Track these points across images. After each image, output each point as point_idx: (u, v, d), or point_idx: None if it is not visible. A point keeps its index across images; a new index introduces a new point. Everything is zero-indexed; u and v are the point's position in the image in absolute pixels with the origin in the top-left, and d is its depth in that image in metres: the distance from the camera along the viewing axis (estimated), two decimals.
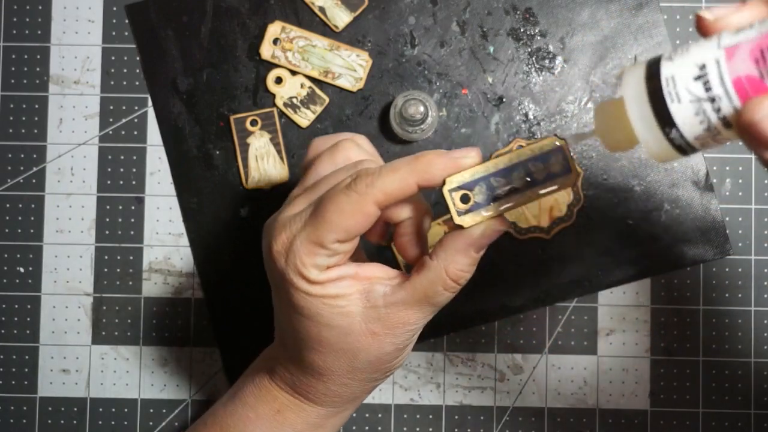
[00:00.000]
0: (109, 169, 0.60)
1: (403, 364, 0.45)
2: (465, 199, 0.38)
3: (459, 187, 0.38)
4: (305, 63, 0.60)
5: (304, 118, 0.60)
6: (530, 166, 0.37)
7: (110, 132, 0.61)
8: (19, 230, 0.60)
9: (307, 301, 0.40)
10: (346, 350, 0.41)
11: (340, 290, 0.40)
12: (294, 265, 0.39)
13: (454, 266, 0.39)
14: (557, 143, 0.37)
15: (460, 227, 0.38)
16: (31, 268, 0.60)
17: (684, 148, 0.35)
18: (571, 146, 0.37)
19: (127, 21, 0.61)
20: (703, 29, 0.35)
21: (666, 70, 0.34)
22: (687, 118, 0.34)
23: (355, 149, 0.43)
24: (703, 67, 0.33)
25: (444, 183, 0.38)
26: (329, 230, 0.38)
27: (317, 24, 0.60)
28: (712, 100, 0.33)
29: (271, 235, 0.40)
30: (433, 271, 0.39)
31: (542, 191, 0.38)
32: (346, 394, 0.44)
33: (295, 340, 0.42)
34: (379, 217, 0.39)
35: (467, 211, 0.38)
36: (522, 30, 0.60)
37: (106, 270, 0.60)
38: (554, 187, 0.37)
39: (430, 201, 0.59)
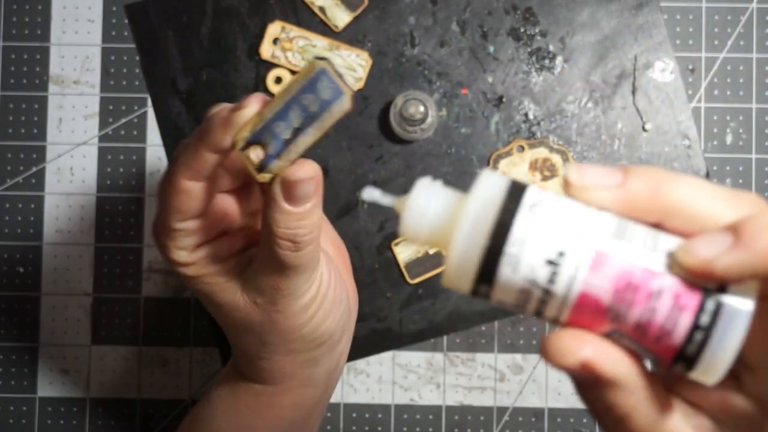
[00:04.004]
0: (109, 169, 0.60)
1: (326, 334, 0.43)
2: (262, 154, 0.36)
3: (250, 143, 0.35)
4: (305, 63, 0.60)
5: None
6: (302, 99, 0.35)
7: (110, 132, 0.61)
8: (19, 230, 0.60)
9: (191, 282, 0.40)
10: (245, 326, 0.41)
11: (214, 269, 0.40)
12: (162, 252, 0.40)
13: (276, 228, 0.37)
14: (320, 66, 0.34)
15: (265, 185, 0.37)
16: (30, 268, 0.60)
17: (477, 295, 0.30)
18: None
19: (126, 21, 0.61)
20: (565, 189, 0.29)
21: (521, 228, 0.28)
22: (509, 289, 0.28)
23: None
24: (561, 254, 0.27)
25: (234, 144, 0.36)
26: (166, 213, 0.38)
27: (317, 24, 0.60)
28: (546, 292, 0.28)
29: None
30: (263, 241, 0.38)
31: (320, 124, 0.35)
32: (277, 369, 0.44)
33: (216, 319, 0.43)
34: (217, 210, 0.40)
35: (263, 166, 0.35)
36: (522, 30, 0.60)
37: (105, 270, 0.60)
38: (330, 116, 0.35)
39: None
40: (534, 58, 0.60)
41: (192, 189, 0.37)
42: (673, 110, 0.60)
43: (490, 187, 0.29)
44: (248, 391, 0.45)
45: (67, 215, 0.60)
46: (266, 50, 0.60)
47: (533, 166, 0.59)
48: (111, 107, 0.61)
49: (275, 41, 0.60)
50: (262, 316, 0.41)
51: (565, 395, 0.59)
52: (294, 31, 0.60)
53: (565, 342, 0.27)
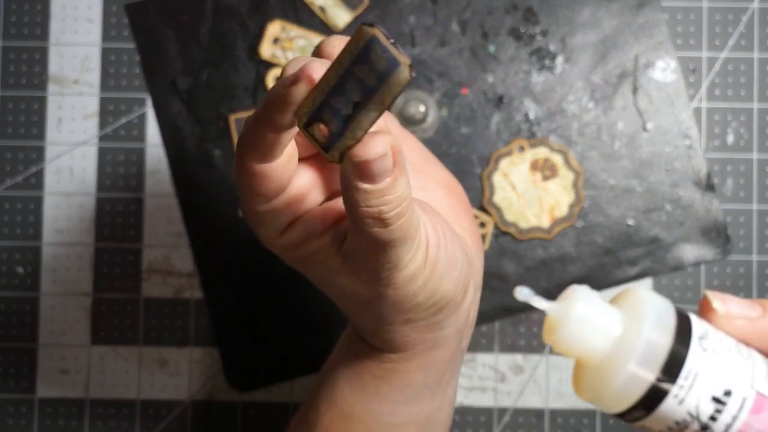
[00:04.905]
0: (109, 169, 0.60)
1: (445, 299, 0.40)
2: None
3: (311, 120, 0.31)
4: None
5: None
6: (357, 72, 0.30)
7: (110, 132, 0.61)
8: (19, 230, 0.60)
9: (294, 264, 0.38)
10: (356, 301, 0.39)
11: (311, 246, 0.37)
12: (256, 232, 0.37)
13: (357, 207, 0.33)
14: (370, 33, 0.29)
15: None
16: (30, 269, 0.60)
17: (624, 417, 0.30)
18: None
19: (126, 20, 0.61)
20: (705, 315, 0.30)
21: (693, 362, 0.28)
22: (665, 419, 0.29)
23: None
24: (727, 393, 0.28)
25: (297, 122, 0.32)
26: (247, 198, 0.36)
27: (317, 23, 0.60)
28: (704, 428, 0.28)
29: None
30: (349, 219, 0.35)
31: (380, 98, 0.30)
32: (399, 338, 0.41)
33: (331, 297, 0.41)
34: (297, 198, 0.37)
35: (330, 145, 0.31)
36: (523, 29, 0.60)
37: (105, 270, 0.60)
38: (389, 90, 0.30)
39: None
40: (534, 58, 0.60)
41: (264, 171, 0.34)
42: (674, 110, 0.60)
43: (660, 313, 0.29)
44: (373, 358, 0.43)
45: (66, 215, 0.60)
46: (266, 50, 0.60)
47: (534, 166, 0.59)
48: (111, 107, 0.61)
49: (275, 41, 0.60)
50: (370, 290, 0.37)
51: (565, 396, 0.59)
52: (294, 30, 0.60)
53: None
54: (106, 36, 0.61)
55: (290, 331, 0.59)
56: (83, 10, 0.61)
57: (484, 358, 0.59)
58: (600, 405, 0.30)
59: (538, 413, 0.59)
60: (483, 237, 0.59)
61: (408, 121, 0.57)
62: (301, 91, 0.31)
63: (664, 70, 0.60)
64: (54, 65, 0.61)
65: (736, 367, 0.28)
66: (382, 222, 0.33)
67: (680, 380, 0.28)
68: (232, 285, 0.60)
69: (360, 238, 0.35)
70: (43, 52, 0.61)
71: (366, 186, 0.32)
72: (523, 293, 0.30)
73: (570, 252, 0.59)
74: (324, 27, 0.60)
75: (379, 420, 0.44)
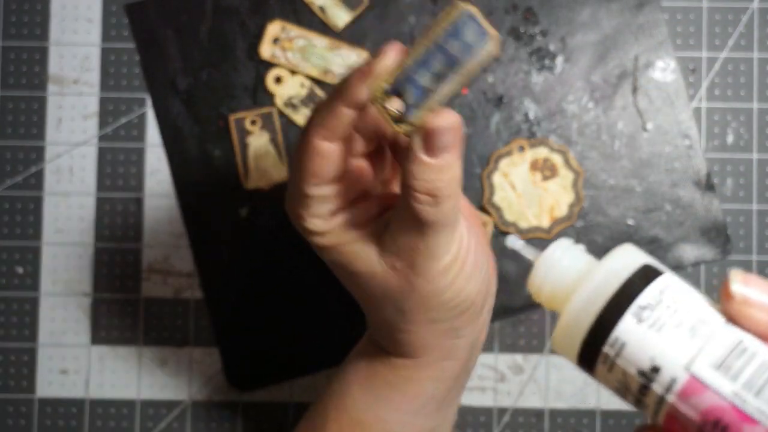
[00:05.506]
0: (109, 170, 0.60)
1: (468, 301, 0.40)
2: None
3: (387, 94, 0.34)
4: (305, 63, 0.60)
5: (304, 117, 0.60)
6: (447, 45, 0.32)
7: (109, 132, 0.61)
8: (18, 230, 0.60)
9: (327, 253, 0.39)
10: (384, 294, 0.40)
11: (350, 236, 0.38)
12: (297, 222, 0.38)
13: (414, 180, 0.35)
14: (465, 9, 0.32)
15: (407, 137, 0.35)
16: (30, 269, 0.60)
17: (580, 367, 0.30)
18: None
19: (126, 20, 0.61)
20: (722, 296, 0.27)
21: (623, 330, 0.27)
22: (606, 380, 0.28)
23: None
24: (655, 370, 0.26)
25: (372, 96, 0.34)
26: (301, 178, 0.37)
27: (317, 23, 0.60)
28: (638, 400, 0.27)
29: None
30: (401, 197, 0.36)
31: (465, 70, 0.33)
32: (417, 341, 0.41)
33: (352, 294, 0.42)
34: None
35: (402, 118, 0.34)
36: (522, 30, 0.60)
37: (105, 270, 0.60)
38: (476, 61, 0.33)
39: None
40: (534, 58, 0.60)
41: (327, 150, 0.36)
42: (673, 110, 0.60)
43: (613, 269, 0.28)
44: (386, 364, 0.43)
45: (66, 215, 0.60)
46: (266, 50, 0.60)
47: (534, 166, 0.59)
48: (110, 107, 0.61)
49: (275, 41, 0.60)
50: (401, 281, 0.38)
51: (565, 396, 0.59)
52: (294, 30, 0.60)
53: None
54: (106, 36, 0.61)
55: (290, 331, 0.59)
56: (83, 10, 0.61)
57: (483, 358, 0.59)
58: (565, 356, 0.30)
59: (538, 413, 0.59)
60: None
61: None
62: (386, 64, 0.33)
63: (664, 70, 0.60)
64: (54, 65, 0.61)
65: (674, 346, 0.26)
66: (434, 199, 0.35)
67: (605, 348, 0.27)
68: (232, 285, 0.60)
69: (405, 220, 0.36)
70: (43, 52, 0.61)
71: (427, 159, 0.34)
72: (512, 242, 0.32)
73: None
74: (324, 27, 0.60)
75: (387, 429, 0.44)
